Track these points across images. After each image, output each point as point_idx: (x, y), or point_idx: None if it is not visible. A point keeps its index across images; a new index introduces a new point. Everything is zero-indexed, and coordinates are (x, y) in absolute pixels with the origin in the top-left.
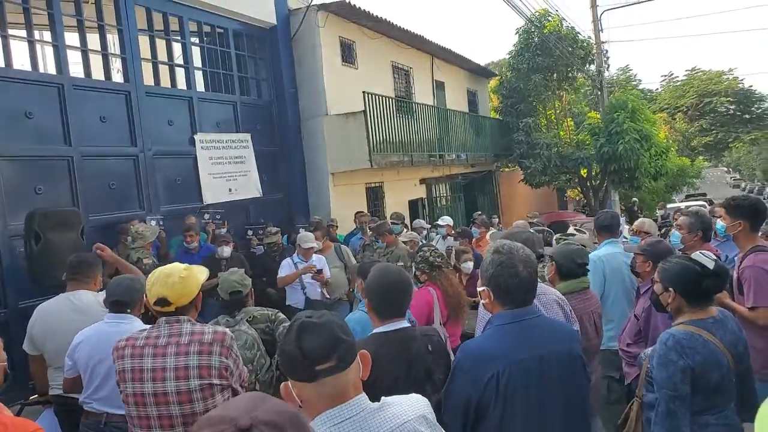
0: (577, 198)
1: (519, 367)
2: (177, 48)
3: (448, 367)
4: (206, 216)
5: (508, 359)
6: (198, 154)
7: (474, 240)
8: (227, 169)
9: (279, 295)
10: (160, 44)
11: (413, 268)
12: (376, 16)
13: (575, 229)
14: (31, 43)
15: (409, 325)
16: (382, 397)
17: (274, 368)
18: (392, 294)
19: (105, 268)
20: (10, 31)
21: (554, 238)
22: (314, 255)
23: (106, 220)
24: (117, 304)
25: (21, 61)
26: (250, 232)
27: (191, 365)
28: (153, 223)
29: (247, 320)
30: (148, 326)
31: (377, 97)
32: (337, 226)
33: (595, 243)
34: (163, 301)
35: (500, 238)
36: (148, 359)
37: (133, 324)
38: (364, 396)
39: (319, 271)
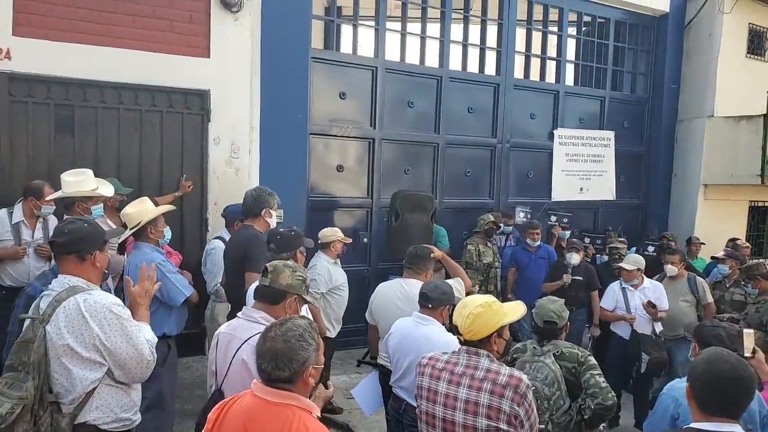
0: None
1: None
2: (551, 40)
3: None
4: (553, 218)
5: None
6: (555, 149)
7: None
8: (582, 168)
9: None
10: (536, 36)
11: None
12: None
13: None
14: (423, 38)
15: None
16: None
17: (573, 412)
18: (723, 390)
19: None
20: (408, 26)
21: None
22: (647, 281)
23: (457, 205)
24: (422, 297)
25: (412, 55)
26: (587, 240)
27: (481, 403)
28: (521, 215)
29: (554, 354)
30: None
31: None
32: (702, 244)
33: None
34: (455, 328)
35: None
36: (443, 383)
37: (433, 327)
38: None
39: (653, 306)
